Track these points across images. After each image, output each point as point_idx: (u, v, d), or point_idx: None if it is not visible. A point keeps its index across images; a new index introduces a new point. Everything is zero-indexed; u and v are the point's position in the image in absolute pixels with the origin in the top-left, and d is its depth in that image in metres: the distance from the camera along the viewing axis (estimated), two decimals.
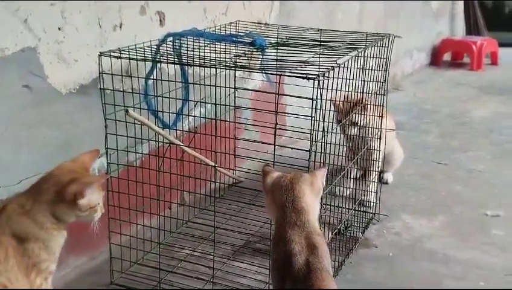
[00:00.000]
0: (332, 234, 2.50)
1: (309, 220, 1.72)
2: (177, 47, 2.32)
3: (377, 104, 2.86)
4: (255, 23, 3.00)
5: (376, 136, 2.94)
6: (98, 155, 2.02)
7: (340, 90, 2.40)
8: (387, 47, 2.70)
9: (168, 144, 2.48)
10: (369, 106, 2.84)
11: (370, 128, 2.92)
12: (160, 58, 2.26)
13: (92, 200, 1.81)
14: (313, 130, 2.04)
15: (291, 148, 2.39)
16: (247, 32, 2.74)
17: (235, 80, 3.07)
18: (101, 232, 1.95)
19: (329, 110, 2.29)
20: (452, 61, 7.00)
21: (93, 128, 2.38)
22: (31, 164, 2.22)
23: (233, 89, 3.02)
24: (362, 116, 2.89)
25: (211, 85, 2.20)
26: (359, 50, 2.42)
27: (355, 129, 2.93)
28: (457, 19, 7.45)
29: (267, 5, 3.64)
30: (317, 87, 1.95)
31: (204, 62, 2.18)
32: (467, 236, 2.85)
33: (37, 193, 1.78)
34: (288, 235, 1.68)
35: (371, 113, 2.87)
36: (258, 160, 2.87)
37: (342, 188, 2.86)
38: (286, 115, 2.43)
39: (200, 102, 2.43)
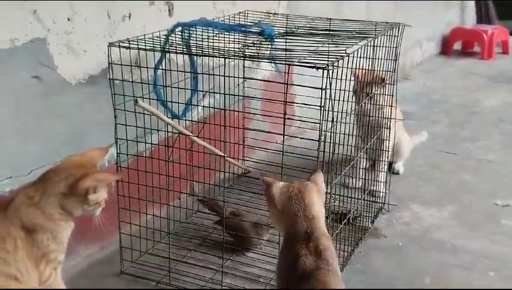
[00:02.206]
0: (341, 224, 2.50)
1: (318, 226, 1.73)
2: (186, 37, 2.31)
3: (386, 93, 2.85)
4: (263, 12, 2.98)
5: (386, 126, 2.93)
6: (107, 153, 2.04)
7: (350, 80, 2.40)
8: (397, 36, 2.68)
9: (177, 134, 2.48)
10: (387, 83, 2.82)
11: (382, 116, 2.90)
12: (169, 49, 2.26)
13: (100, 196, 1.83)
14: (322, 120, 2.04)
15: (301, 138, 2.39)
16: (256, 22, 2.73)
17: (244, 70, 3.07)
18: (111, 222, 1.96)
19: (339, 100, 2.29)
20: (462, 51, 6.95)
21: (103, 118, 2.39)
22: (41, 155, 2.24)
23: (242, 79, 3.01)
24: (378, 90, 2.86)
25: (220, 75, 2.20)
26: (369, 39, 2.41)
27: (370, 102, 2.91)
28: (467, 7, 7.39)
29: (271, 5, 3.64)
30: (327, 77, 1.94)
31: (213, 52, 2.18)
32: (476, 226, 2.84)
33: (46, 185, 1.79)
34: (299, 243, 1.69)
35: (383, 102, 2.85)
36: (267, 150, 2.88)
37: (351, 179, 2.86)
38: (295, 105, 2.43)
39: (209, 92, 2.43)
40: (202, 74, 2.42)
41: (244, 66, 3.08)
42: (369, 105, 2.88)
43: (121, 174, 2.25)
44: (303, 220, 1.73)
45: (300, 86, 2.18)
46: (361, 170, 3.07)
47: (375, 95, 2.86)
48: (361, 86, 2.83)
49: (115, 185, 2.34)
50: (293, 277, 1.64)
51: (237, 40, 2.48)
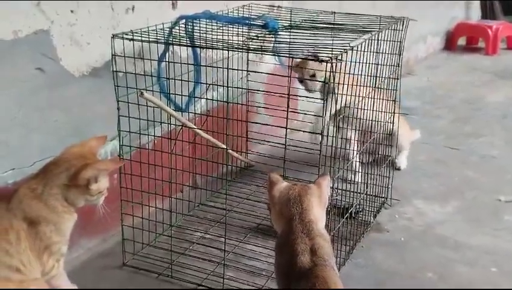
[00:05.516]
0: (344, 218, 2.49)
1: (314, 228, 1.73)
2: (190, 30, 2.31)
3: (388, 88, 2.83)
4: (267, 6, 2.98)
5: (382, 120, 2.88)
6: (106, 141, 2.04)
7: (352, 74, 2.38)
8: (402, 30, 2.67)
9: (180, 127, 2.48)
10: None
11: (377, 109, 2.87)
12: (172, 41, 2.25)
13: (102, 185, 1.83)
14: (325, 113, 2.03)
15: (303, 132, 2.38)
16: (260, 15, 2.72)
17: (247, 63, 3.06)
18: (113, 215, 1.96)
19: (342, 94, 2.27)
20: (467, 46, 6.91)
21: (106, 111, 2.39)
22: (44, 147, 2.24)
23: (245, 72, 3.01)
24: (322, 72, 2.82)
25: (223, 68, 2.19)
26: (373, 33, 2.40)
27: (319, 86, 2.86)
28: (472, 3, 7.35)
29: None
30: (330, 70, 1.94)
31: (216, 45, 2.17)
32: (479, 222, 2.84)
33: (48, 177, 1.80)
34: (293, 239, 1.70)
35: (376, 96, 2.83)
36: (270, 143, 2.87)
37: (352, 173, 2.85)
38: (298, 98, 2.42)
39: (213, 85, 2.43)
40: (206, 66, 2.41)
41: (247, 59, 3.08)
42: (318, 86, 2.85)
43: (121, 162, 2.25)
44: (298, 223, 1.73)
45: (304, 79, 2.16)
46: (357, 163, 3.04)
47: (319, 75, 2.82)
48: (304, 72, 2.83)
49: (117, 178, 2.34)
50: (293, 273, 1.65)
51: (241, 33, 2.47)
